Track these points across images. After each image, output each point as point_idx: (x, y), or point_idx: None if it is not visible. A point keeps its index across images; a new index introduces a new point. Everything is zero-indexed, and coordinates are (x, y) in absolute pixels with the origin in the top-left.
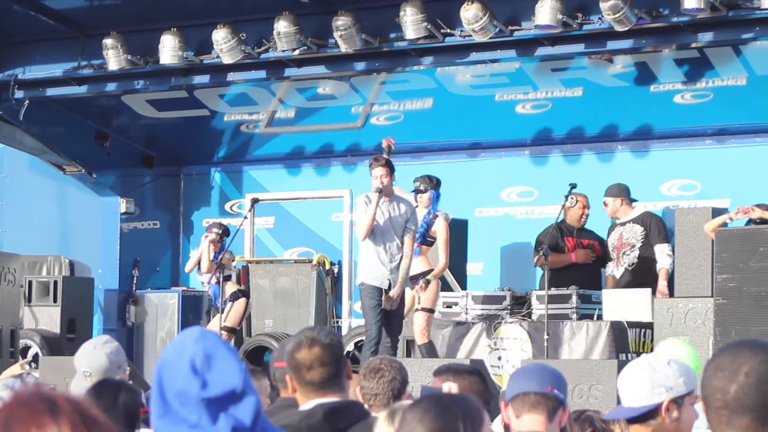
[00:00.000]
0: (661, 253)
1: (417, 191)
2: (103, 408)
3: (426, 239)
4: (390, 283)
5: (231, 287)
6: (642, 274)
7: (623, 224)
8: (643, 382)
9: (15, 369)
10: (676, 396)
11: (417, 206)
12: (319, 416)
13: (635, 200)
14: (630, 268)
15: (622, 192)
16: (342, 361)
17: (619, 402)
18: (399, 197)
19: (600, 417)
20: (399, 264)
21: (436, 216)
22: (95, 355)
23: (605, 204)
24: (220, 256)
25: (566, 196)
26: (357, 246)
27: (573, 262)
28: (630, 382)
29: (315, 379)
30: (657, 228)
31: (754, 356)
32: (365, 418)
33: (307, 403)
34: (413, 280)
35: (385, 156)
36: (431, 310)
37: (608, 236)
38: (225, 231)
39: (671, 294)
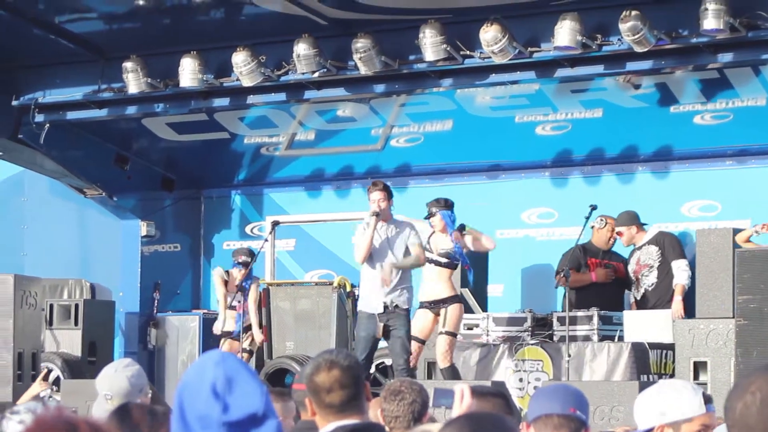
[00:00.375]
0: (677, 268)
1: (429, 216)
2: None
3: (452, 263)
4: (385, 306)
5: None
6: (662, 293)
7: (639, 248)
8: (642, 406)
9: (35, 388)
10: (670, 422)
11: (434, 233)
12: None
13: (646, 224)
14: (650, 289)
15: (633, 219)
16: (361, 383)
17: None
18: (398, 221)
19: None
20: (396, 289)
21: (462, 234)
22: (116, 379)
23: (620, 234)
24: (250, 283)
25: (587, 217)
26: None
27: (593, 282)
28: (636, 405)
29: (334, 402)
30: (671, 245)
31: (765, 377)
32: None
33: (327, 426)
34: (436, 305)
35: (381, 183)
36: (454, 334)
37: (627, 264)
38: (251, 255)
39: (691, 313)
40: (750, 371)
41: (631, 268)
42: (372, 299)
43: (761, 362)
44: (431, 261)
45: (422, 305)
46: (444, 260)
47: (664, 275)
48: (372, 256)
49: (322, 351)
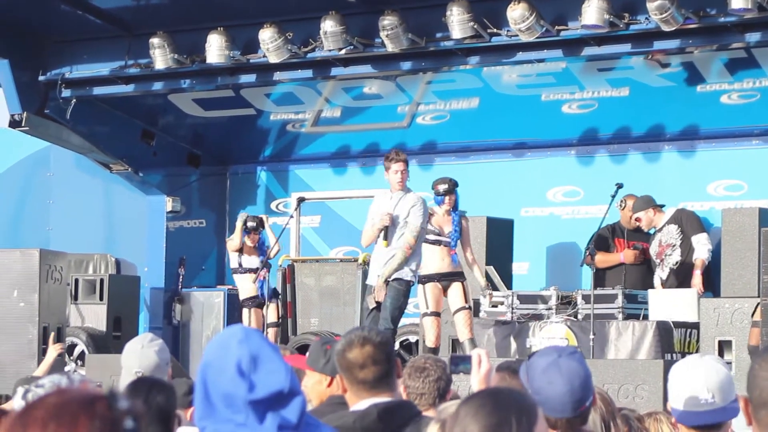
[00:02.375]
0: (698, 243)
1: (447, 192)
2: None
3: (450, 243)
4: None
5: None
6: (689, 269)
7: (660, 230)
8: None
9: (50, 354)
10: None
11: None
12: (374, 416)
13: (663, 205)
14: (675, 267)
15: (649, 202)
16: (393, 360)
17: (665, 402)
18: (407, 196)
19: (637, 416)
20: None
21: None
22: (145, 354)
23: (638, 219)
24: (267, 252)
25: (613, 196)
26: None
27: (621, 263)
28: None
29: (368, 378)
30: (689, 221)
31: None
32: (418, 417)
33: (360, 402)
34: (445, 278)
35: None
36: (469, 307)
37: (650, 246)
38: (260, 221)
39: (717, 292)
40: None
41: (653, 250)
42: (371, 272)
43: None
44: (435, 241)
45: (430, 278)
46: (446, 240)
47: (687, 252)
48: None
49: (351, 328)
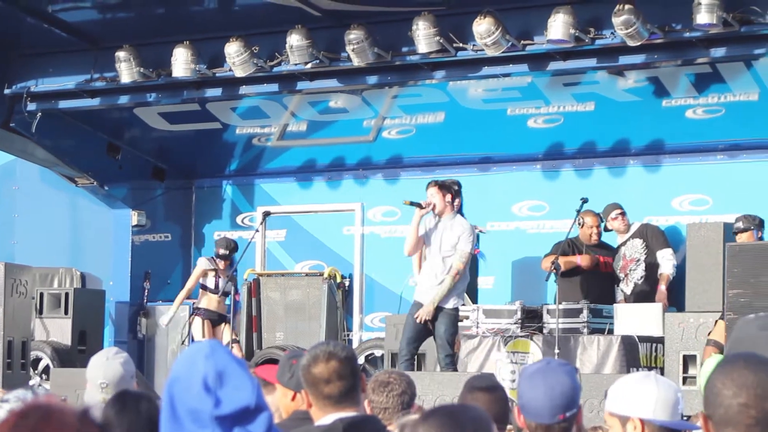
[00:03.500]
0: (662, 258)
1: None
2: (128, 419)
3: None
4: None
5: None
6: (653, 284)
7: (624, 243)
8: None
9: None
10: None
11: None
12: (339, 431)
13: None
14: (639, 281)
15: (616, 206)
16: (358, 375)
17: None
18: (455, 221)
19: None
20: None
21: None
22: (110, 366)
23: (614, 219)
24: (228, 275)
25: (578, 210)
26: (368, 259)
27: (578, 265)
28: (645, 394)
29: (333, 393)
30: (654, 236)
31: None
32: None
33: (325, 417)
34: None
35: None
36: None
37: (614, 260)
38: (234, 247)
39: (682, 307)
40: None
41: (617, 264)
42: (420, 288)
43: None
44: None
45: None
46: None
47: (652, 267)
48: (425, 245)
49: (316, 343)
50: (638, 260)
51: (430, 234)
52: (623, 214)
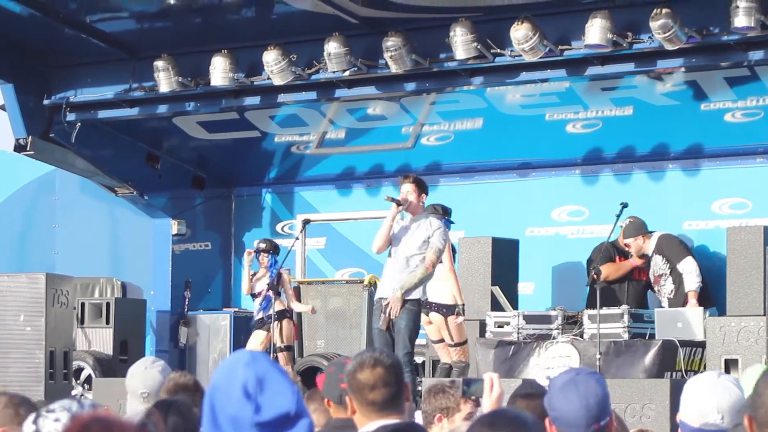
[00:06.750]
0: (684, 272)
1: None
2: (173, 426)
3: None
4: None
5: (278, 305)
6: (683, 295)
7: (650, 258)
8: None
9: None
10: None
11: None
12: None
13: (652, 231)
14: (671, 296)
15: (639, 229)
16: (403, 383)
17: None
18: (427, 218)
19: None
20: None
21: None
22: (149, 375)
23: (628, 246)
24: (276, 273)
25: (618, 215)
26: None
27: (635, 266)
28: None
29: (377, 400)
30: (670, 249)
31: None
32: None
33: (369, 424)
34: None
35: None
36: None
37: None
38: (274, 248)
39: (722, 311)
40: None
41: (651, 278)
42: (382, 285)
43: None
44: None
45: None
46: None
47: (679, 281)
48: (392, 244)
49: (362, 350)
50: (664, 275)
51: (399, 233)
52: (645, 235)
